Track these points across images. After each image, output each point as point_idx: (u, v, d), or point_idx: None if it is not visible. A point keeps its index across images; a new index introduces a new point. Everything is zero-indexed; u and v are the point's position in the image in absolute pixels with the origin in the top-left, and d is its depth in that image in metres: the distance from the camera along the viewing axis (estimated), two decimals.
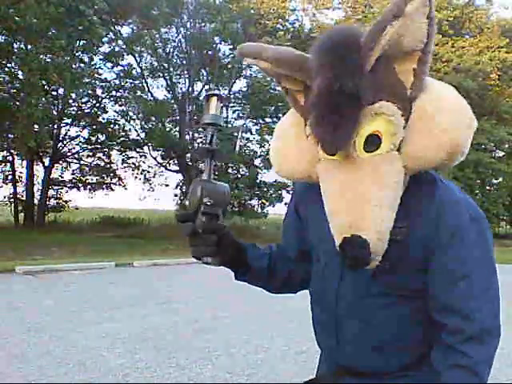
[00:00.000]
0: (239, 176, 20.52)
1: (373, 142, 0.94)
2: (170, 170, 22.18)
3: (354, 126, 0.92)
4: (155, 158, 21.56)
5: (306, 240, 1.22)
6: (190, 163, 20.19)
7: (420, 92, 0.95)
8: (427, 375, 1.05)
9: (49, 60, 14.40)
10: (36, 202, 19.74)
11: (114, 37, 18.44)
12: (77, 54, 17.23)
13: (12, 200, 20.36)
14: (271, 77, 1.10)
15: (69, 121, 20.38)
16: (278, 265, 1.25)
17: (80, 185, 22.11)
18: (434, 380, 1.02)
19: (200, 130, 20.61)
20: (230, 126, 20.90)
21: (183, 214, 1.09)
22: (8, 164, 20.63)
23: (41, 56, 14.05)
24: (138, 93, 19.87)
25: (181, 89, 19.95)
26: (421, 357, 1.07)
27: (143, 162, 22.11)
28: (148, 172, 22.42)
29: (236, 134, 19.57)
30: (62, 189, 21.92)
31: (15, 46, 15.42)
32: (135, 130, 20.71)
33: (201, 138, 20.79)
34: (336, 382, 1.15)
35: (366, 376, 1.10)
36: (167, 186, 23.15)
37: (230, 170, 21.05)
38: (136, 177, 22.37)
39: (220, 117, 1.12)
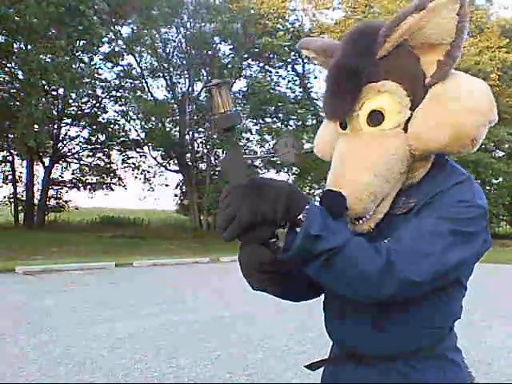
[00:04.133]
0: None
1: (376, 117, 1.02)
2: (170, 170, 22.20)
3: (352, 97, 1.02)
4: (155, 158, 21.59)
5: None
6: (189, 163, 20.19)
7: (440, 81, 1.01)
8: (429, 366, 1.04)
9: (49, 60, 14.40)
10: (36, 202, 19.74)
11: (114, 37, 18.45)
12: (77, 54, 17.23)
13: (12, 200, 20.37)
14: (320, 66, 1.23)
15: (69, 121, 20.40)
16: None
17: (80, 185, 22.13)
18: (439, 373, 1.02)
19: (201, 136, 20.61)
20: None
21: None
22: (8, 164, 20.64)
23: (41, 56, 14.05)
24: (138, 93, 19.88)
25: (181, 89, 19.97)
26: (421, 346, 1.05)
27: (143, 162, 22.18)
28: (148, 172, 22.42)
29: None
30: (61, 189, 21.95)
31: (15, 46, 15.42)
32: (135, 130, 20.75)
33: (201, 138, 20.82)
34: (339, 368, 1.14)
35: (367, 361, 1.08)
36: (167, 186, 23.24)
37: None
38: (136, 177, 22.42)
39: (234, 113, 0.92)
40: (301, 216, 0.90)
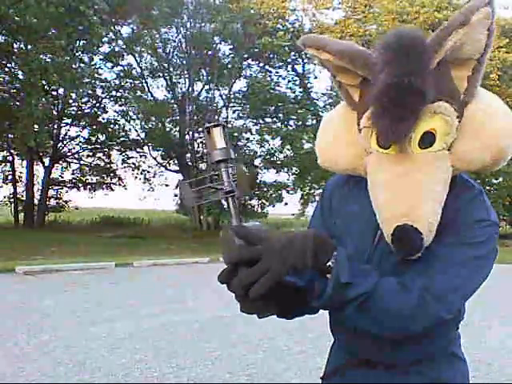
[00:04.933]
0: None
1: (428, 139, 0.97)
2: (170, 170, 22.21)
3: (415, 121, 0.95)
4: (155, 158, 21.59)
5: (331, 231, 1.19)
6: (189, 163, 20.19)
7: (472, 98, 0.99)
8: (439, 372, 1.08)
9: (49, 60, 14.41)
10: (36, 202, 19.75)
11: (114, 37, 18.46)
12: (77, 54, 17.25)
13: (12, 200, 20.37)
14: (328, 69, 1.11)
15: (69, 121, 20.41)
16: None
17: (80, 185, 22.14)
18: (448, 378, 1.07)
19: (201, 136, 20.66)
20: (230, 125, 20.91)
21: (226, 273, 0.90)
22: (8, 164, 20.65)
23: (41, 56, 14.06)
24: (138, 93, 19.89)
25: (181, 89, 19.97)
26: (434, 353, 1.08)
27: (143, 162, 22.19)
28: (148, 172, 22.45)
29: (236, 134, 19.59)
30: (62, 189, 21.95)
31: (15, 46, 15.43)
32: (135, 130, 20.77)
33: (201, 138, 20.83)
34: (349, 373, 1.14)
35: (379, 368, 1.09)
36: (167, 186, 23.21)
37: (229, 171, 21.05)
38: (136, 177, 22.42)
39: (229, 149, 0.98)
40: (330, 263, 0.90)
